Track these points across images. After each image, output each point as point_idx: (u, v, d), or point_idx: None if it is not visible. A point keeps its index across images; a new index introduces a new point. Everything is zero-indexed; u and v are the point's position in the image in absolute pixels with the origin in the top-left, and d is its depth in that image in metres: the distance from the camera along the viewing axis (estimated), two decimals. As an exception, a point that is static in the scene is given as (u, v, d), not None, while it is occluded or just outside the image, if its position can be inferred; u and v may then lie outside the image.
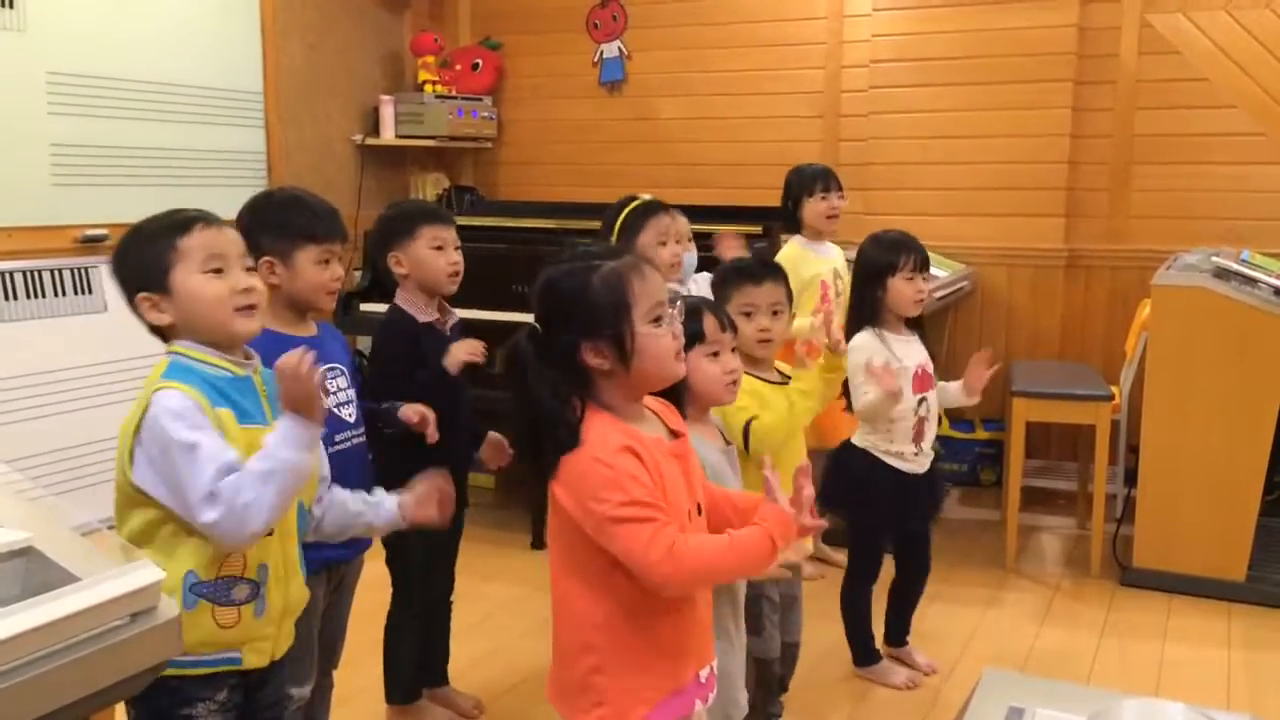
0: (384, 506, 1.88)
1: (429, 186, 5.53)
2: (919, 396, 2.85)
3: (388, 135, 5.27)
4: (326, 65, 5.07)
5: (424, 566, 2.66)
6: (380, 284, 4.54)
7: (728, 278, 2.36)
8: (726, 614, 2.10)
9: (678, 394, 1.72)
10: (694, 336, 1.92)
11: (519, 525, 3.79)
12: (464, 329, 2.63)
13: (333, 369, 2.23)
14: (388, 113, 5.26)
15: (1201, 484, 3.52)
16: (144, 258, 1.67)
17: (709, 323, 1.97)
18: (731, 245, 3.41)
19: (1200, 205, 4.41)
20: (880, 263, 2.83)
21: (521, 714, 2.81)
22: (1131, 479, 3.74)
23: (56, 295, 3.66)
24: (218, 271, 1.65)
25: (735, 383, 2.00)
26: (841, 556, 3.76)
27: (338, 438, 2.21)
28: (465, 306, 2.70)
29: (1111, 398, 3.80)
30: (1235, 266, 3.57)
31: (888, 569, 3.06)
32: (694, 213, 3.40)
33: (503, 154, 5.64)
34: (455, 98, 5.33)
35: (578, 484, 1.49)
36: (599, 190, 5.13)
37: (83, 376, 3.63)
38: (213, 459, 1.55)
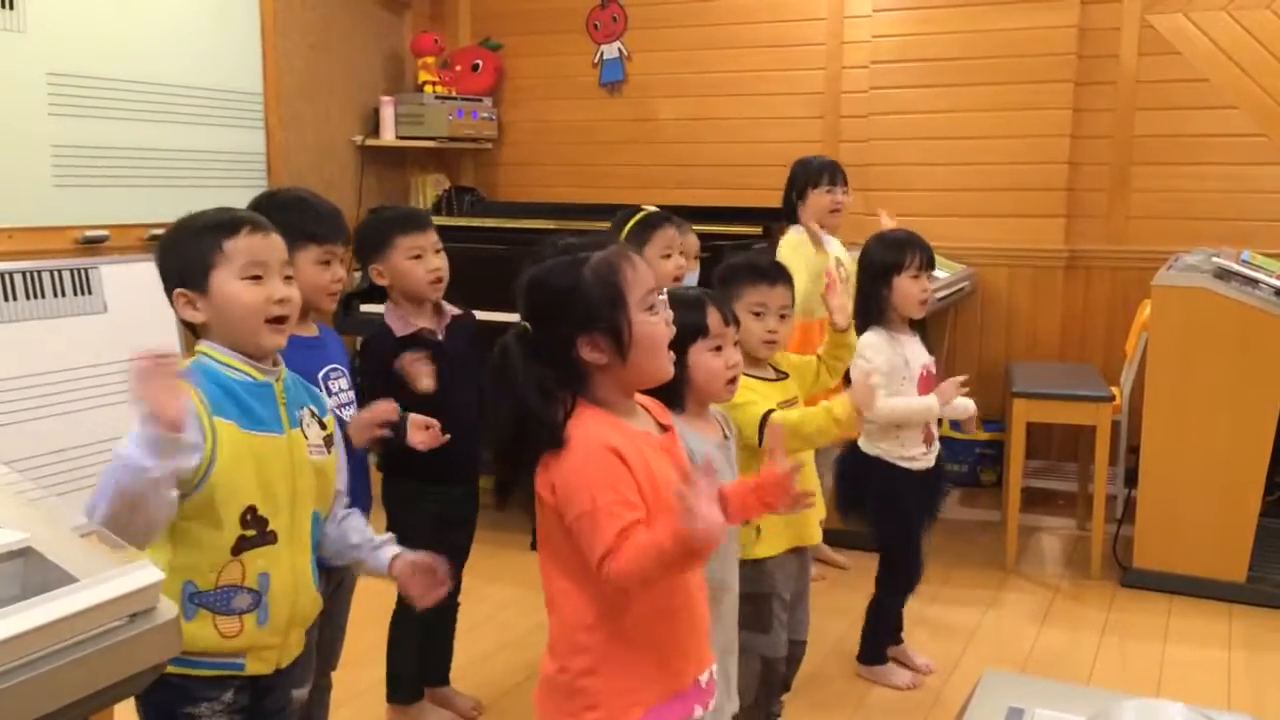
0: (380, 556, 1.80)
1: (429, 187, 5.53)
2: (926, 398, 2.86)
3: (388, 136, 5.28)
4: (327, 66, 5.07)
5: None
6: (380, 285, 4.54)
7: (738, 274, 2.34)
8: (724, 605, 2.10)
9: (675, 387, 1.71)
10: (697, 330, 1.91)
11: (519, 526, 3.78)
12: (464, 324, 2.63)
13: (335, 370, 2.24)
14: (388, 114, 5.26)
15: (1202, 485, 3.52)
16: (188, 254, 1.66)
17: (713, 316, 1.95)
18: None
19: (1201, 206, 4.40)
20: (886, 262, 2.84)
21: (522, 714, 2.81)
22: (1132, 480, 3.74)
23: (56, 296, 3.65)
24: (256, 279, 1.65)
25: (735, 379, 2.00)
26: (843, 558, 3.78)
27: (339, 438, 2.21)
28: (465, 307, 2.69)
29: (1112, 398, 3.80)
30: (1236, 267, 3.57)
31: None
32: (694, 214, 3.41)
33: (503, 155, 5.64)
34: (455, 98, 5.33)
35: (561, 477, 1.48)
36: (599, 191, 5.14)
37: (82, 377, 3.62)
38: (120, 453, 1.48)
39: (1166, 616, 3.43)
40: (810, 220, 3.60)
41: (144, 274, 3.74)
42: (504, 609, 3.33)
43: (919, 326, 2.93)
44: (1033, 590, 3.66)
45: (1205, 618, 3.41)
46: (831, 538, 3.68)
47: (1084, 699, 1.52)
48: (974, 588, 3.66)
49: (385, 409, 2.19)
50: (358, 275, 4.77)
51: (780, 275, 2.35)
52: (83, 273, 3.74)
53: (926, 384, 2.86)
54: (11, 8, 3.66)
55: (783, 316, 2.32)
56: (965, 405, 2.90)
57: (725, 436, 2.05)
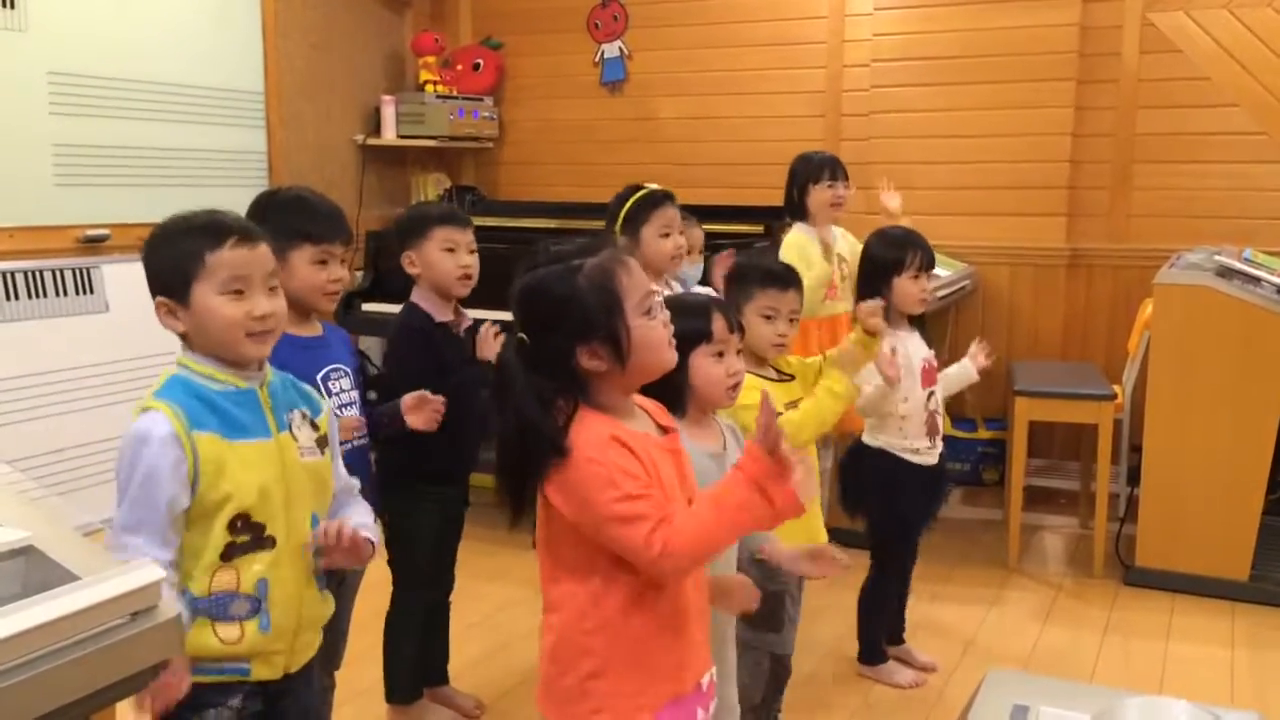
0: (356, 501, 1.85)
1: (430, 187, 5.53)
2: (927, 391, 2.86)
3: (389, 135, 5.27)
4: (328, 65, 5.07)
5: (424, 566, 2.66)
6: (382, 285, 4.55)
7: (750, 276, 2.35)
8: (720, 616, 2.09)
9: (677, 393, 1.70)
10: (700, 335, 1.91)
11: (521, 525, 3.77)
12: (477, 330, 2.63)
13: (336, 370, 2.23)
14: (389, 113, 5.26)
15: (1204, 483, 3.51)
16: (170, 263, 1.63)
17: (718, 323, 1.94)
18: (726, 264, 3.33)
19: (1202, 204, 4.40)
20: (886, 260, 2.84)
21: (522, 714, 2.81)
22: (1134, 478, 3.74)
23: (58, 295, 3.66)
24: (238, 293, 1.62)
25: (737, 385, 1.99)
26: (845, 557, 3.77)
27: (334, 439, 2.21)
28: (466, 306, 2.70)
29: (1114, 397, 3.79)
30: (1238, 265, 3.57)
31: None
32: (696, 212, 3.41)
33: (504, 154, 5.64)
34: (456, 98, 5.32)
35: (572, 486, 1.46)
36: (600, 190, 5.11)
37: (84, 376, 3.63)
38: (129, 509, 1.56)
39: (1169, 615, 3.43)
40: (817, 222, 3.60)
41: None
42: (504, 609, 3.32)
43: (918, 322, 2.93)
44: (1035, 589, 3.66)
45: (1208, 616, 3.41)
46: (833, 536, 3.67)
47: (1088, 697, 1.51)
48: (976, 586, 3.66)
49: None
50: (359, 275, 4.78)
51: (792, 280, 2.37)
52: (84, 272, 3.74)
53: (928, 377, 2.87)
54: (12, 7, 3.66)
55: (791, 320, 2.34)
56: (953, 377, 2.91)
57: (724, 448, 2.05)
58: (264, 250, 1.66)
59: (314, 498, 1.72)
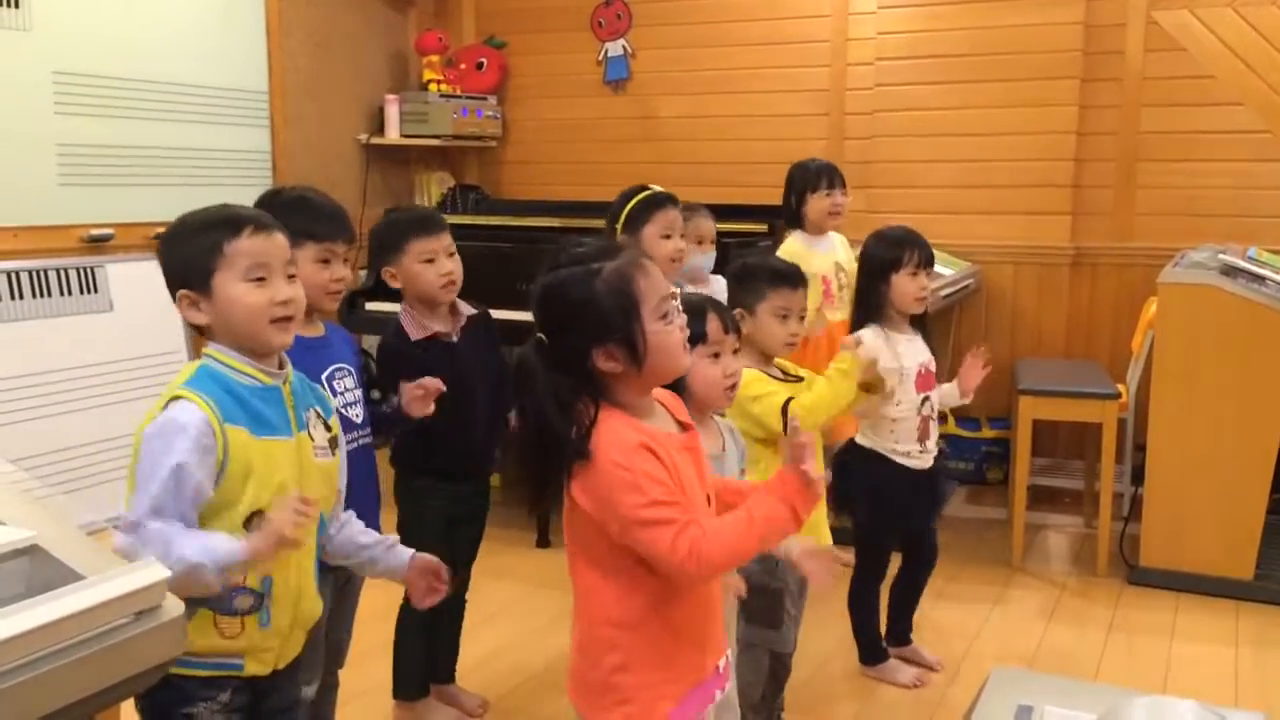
0: (397, 555, 1.84)
1: (434, 186, 5.53)
2: (922, 396, 2.85)
3: (392, 134, 5.28)
4: (331, 64, 5.07)
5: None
6: (385, 284, 4.54)
7: (762, 276, 2.37)
8: (729, 608, 2.10)
9: (678, 392, 1.71)
10: (696, 337, 1.91)
11: (524, 524, 3.78)
12: (481, 322, 2.62)
13: (341, 369, 2.23)
14: (392, 112, 5.26)
15: (1209, 482, 3.51)
16: (189, 255, 1.65)
17: (713, 324, 1.95)
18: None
19: (1207, 202, 4.39)
20: (884, 259, 2.83)
21: (526, 712, 2.81)
22: (1138, 477, 3.73)
23: (62, 295, 3.66)
24: (260, 280, 1.64)
25: (733, 387, 1.99)
26: (848, 555, 3.77)
27: (345, 438, 2.20)
28: (474, 302, 2.69)
29: (1118, 396, 3.79)
30: (1242, 264, 3.56)
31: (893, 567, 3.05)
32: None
33: (507, 153, 5.64)
34: (460, 97, 5.33)
35: (597, 487, 1.48)
36: (603, 189, 5.10)
37: (88, 376, 3.63)
38: (157, 495, 1.54)
39: (1173, 614, 3.42)
40: (814, 230, 3.61)
41: (150, 273, 3.74)
42: (509, 607, 3.32)
43: (921, 324, 2.92)
44: (1039, 588, 3.66)
45: (1212, 615, 3.40)
46: (835, 536, 3.68)
47: (1093, 696, 1.51)
48: (980, 585, 3.65)
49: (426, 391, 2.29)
50: (363, 273, 4.78)
51: (801, 279, 2.41)
52: (89, 271, 3.75)
53: (924, 383, 2.86)
54: (17, 6, 3.67)
55: (801, 318, 2.37)
56: (948, 393, 2.90)
57: (723, 449, 2.05)
58: (280, 239, 1.69)
59: (324, 499, 1.73)
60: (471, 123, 5.35)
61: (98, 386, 3.64)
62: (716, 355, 1.95)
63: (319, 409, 1.77)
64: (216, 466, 1.58)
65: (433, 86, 5.34)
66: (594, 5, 5.35)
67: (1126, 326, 4.40)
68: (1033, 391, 3.80)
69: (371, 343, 5.22)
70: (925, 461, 2.87)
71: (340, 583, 2.26)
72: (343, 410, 2.21)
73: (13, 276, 3.51)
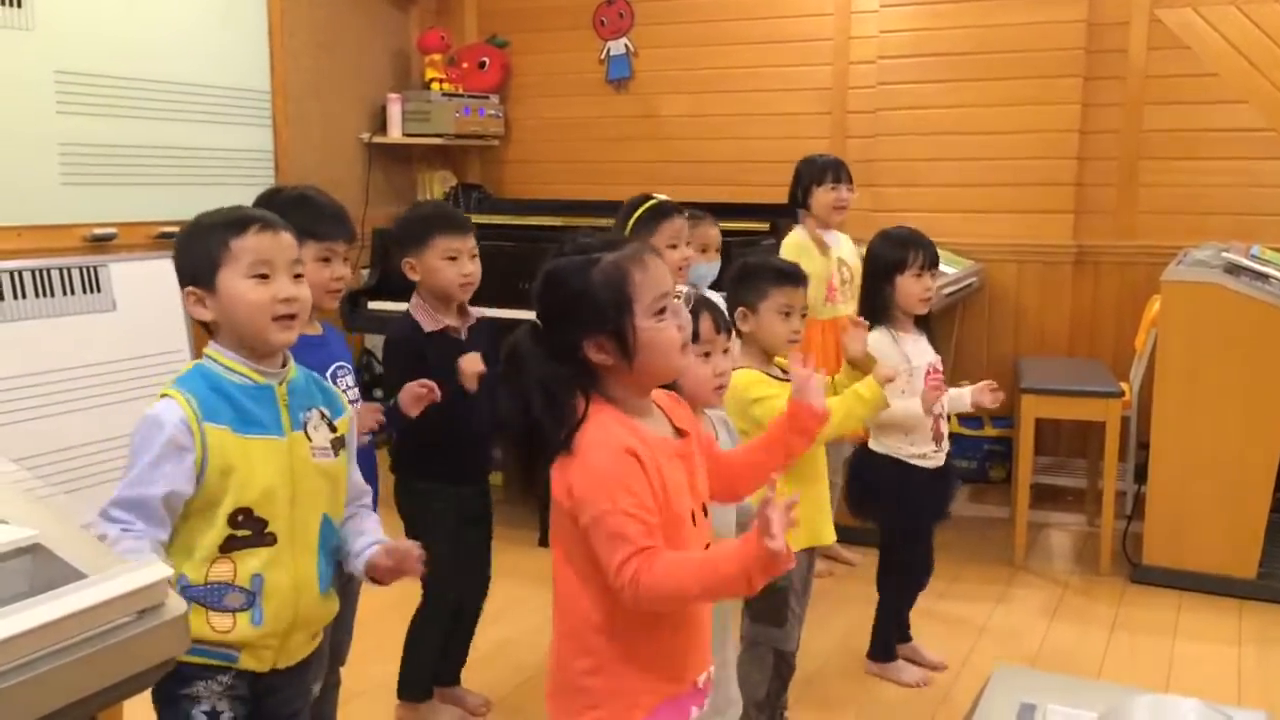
0: (356, 563, 1.78)
1: (436, 185, 5.53)
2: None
3: (395, 133, 5.28)
4: (334, 64, 5.07)
5: (444, 568, 2.65)
6: (388, 282, 4.55)
7: (764, 276, 2.38)
8: (728, 608, 2.10)
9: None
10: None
11: (526, 523, 3.78)
12: (485, 327, 2.63)
13: (342, 367, 2.24)
14: (395, 111, 5.26)
15: (1212, 480, 3.50)
16: (197, 252, 1.67)
17: (705, 323, 1.96)
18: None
19: (1210, 201, 4.39)
20: (889, 259, 2.84)
21: (528, 711, 2.81)
22: (1141, 475, 3.73)
23: (65, 294, 3.66)
24: (264, 277, 1.66)
25: (722, 386, 1.99)
26: (852, 554, 3.77)
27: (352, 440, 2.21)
28: (472, 304, 2.70)
29: (1121, 394, 3.79)
30: (1245, 262, 3.56)
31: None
32: (701, 210, 3.39)
33: (509, 152, 5.64)
34: (462, 96, 5.32)
35: (574, 480, 1.46)
36: (606, 188, 5.14)
37: (91, 375, 3.63)
38: (128, 488, 1.58)
39: (1176, 613, 3.42)
40: (815, 221, 3.60)
41: (153, 272, 3.78)
42: (511, 606, 3.32)
43: (925, 324, 2.92)
44: (1042, 586, 3.65)
45: (1215, 614, 3.40)
46: (839, 534, 3.67)
47: (1096, 695, 1.51)
48: (983, 584, 3.65)
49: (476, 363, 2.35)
50: (365, 273, 4.78)
51: (802, 277, 2.43)
52: (92, 271, 3.75)
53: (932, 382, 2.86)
54: (19, 6, 3.67)
55: (802, 316, 2.38)
56: (959, 397, 2.90)
57: (715, 440, 2.05)
58: (287, 238, 1.71)
59: (326, 499, 1.73)
60: (474, 122, 5.35)
61: (100, 386, 3.64)
62: (707, 355, 1.96)
63: (325, 409, 1.76)
64: (196, 465, 1.59)
65: (435, 85, 5.34)
66: (596, 4, 5.35)
67: (1129, 325, 4.40)
68: (1036, 390, 3.80)
69: (375, 342, 5.24)
70: (939, 460, 2.89)
71: (341, 582, 2.27)
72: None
73: (15, 276, 3.51)
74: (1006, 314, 4.69)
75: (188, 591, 1.60)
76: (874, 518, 3.00)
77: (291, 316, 1.67)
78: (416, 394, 2.34)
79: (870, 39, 4.79)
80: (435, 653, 2.71)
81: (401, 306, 2.65)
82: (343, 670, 2.38)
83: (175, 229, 1.79)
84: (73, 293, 3.68)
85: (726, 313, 2.42)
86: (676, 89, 5.24)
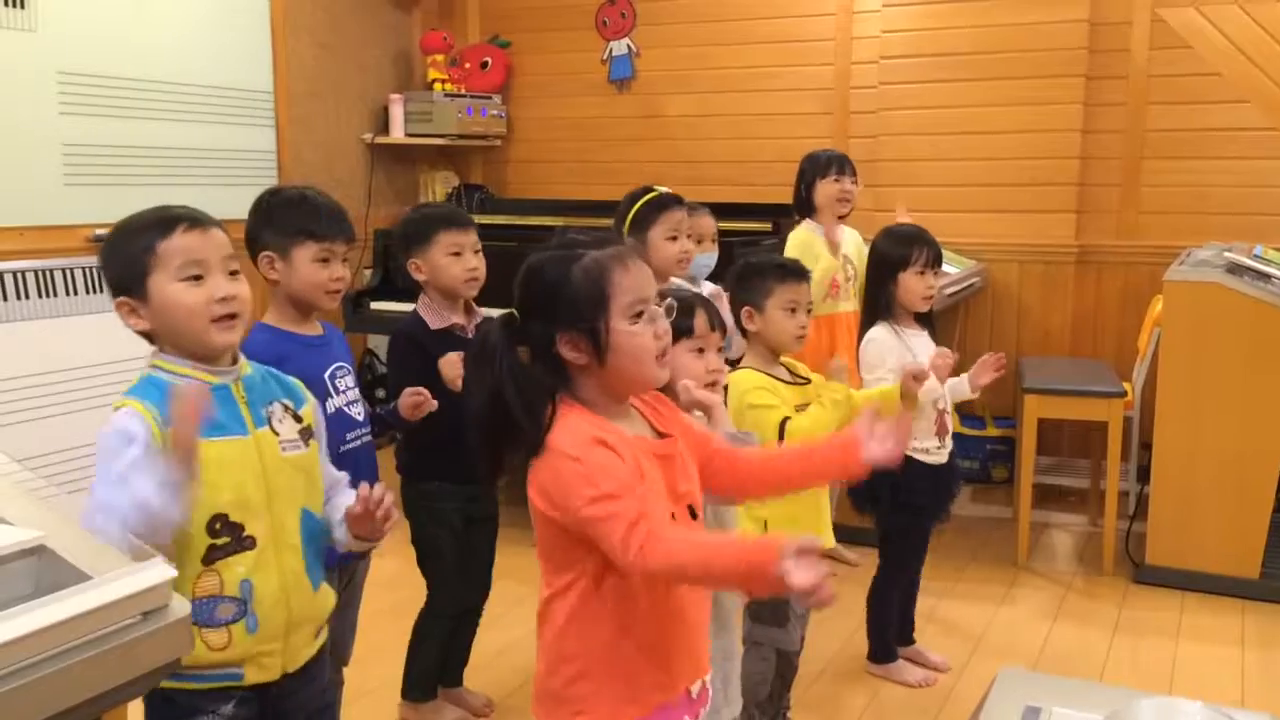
0: (341, 529, 1.73)
1: (438, 185, 5.54)
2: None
3: (397, 134, 5.28)
4: (336, 64, 5.08)
5: (450, 572, 2.66)
6: (391, 283, 4.56)
7: (768, 273, 2.39)
8: (728, 608, 2.09)
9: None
10: (682, 331, 1.92)
11: (526, 524, 3.77)
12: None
13: (341, 368, 2.24)
14: (397, 111, 5.27)
15: (1215, 481, 3.50)
16: (124, 260, 1.60)
17: (699, 319, 1.96)
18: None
19: (1212, 200, 4.38)
20: (893, 257, 2.84)
21: (530, 713, 2.80)
22: (1144, 476, 3.73)
23: (68, 294, 3.67)
24: (197, 279, 1.57)
25: (715, 383, 2.00)
26: (854, 555, 3.77)
27: (349, 436, 2.22)
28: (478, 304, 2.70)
29: (1124, 394, 3.78)
30: (1248, 262, 3.55)
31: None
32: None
33: (512, 152, 5.64)
34: (464, 96, 5.33)
35: (551, 485, 1.44)
36: (608, 188, 5.13)
37: (94, 375, 3.64)
38: (107, 485, 1.48)
39: (1179, 613, 3.42)
40: (825, 218, 3.60)
41: (155, 272, 3.78)
42: (512, 608, 3.32)
43: (927, 322, 2.92)
44: (1045, 587, 3.65)
45: (1218, 614, 3.40)
46: (841, 534, 3.67)
47: (1100, 697, 1.51)
48: (986, 584, 3.65)
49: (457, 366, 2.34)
50: (368, 273, 4.79)
51: (805, 273, 2.44)
52: (94, 271, 3.75)
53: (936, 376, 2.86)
54: (22, 7, 3.67)
55: (808, 311, 2.39)
56: (958, 385, 2.90)
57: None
58: (218, 235, 1.62)
59: (302, 493, 1.67)
60: (476, 122, 5.35)
61: (104, 386, 3.64)
62: (701, 351, 1.96)
63: (287, 401, 1.70)
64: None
65: (437, 86, 5.34)
66: (598, 4, 5.35)
67: (1132, 325, 4.40)
68: (1038, 390, 3.79)
69: (378, 342, 5.23)
70: (942, 457, 2.89)
71: (343, 582, 2.27)
72: (345, 409, 2.22)
73: (18, 276, 3.52)
74: (1009, 314, 4.69)
75: None
76: (873, 511, 3.00)
77: (232, 316, 1.59)
78: (414, 402, 2.34)
79: (872, 39, 4.78)
80: (439, 653, 2.71)
81: (403, 307, 2.66)
82: (346, 670, 2.38)
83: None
84: (76, 293, 3.69)
85: (730, 312, 2.43)
86: (679, 89, 5.24)
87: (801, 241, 3.57)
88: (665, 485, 1.50)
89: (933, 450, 2.87)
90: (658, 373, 1.51)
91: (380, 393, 2.55)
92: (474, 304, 2.62)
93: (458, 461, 2.56)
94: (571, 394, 1.49)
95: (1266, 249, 3.85)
